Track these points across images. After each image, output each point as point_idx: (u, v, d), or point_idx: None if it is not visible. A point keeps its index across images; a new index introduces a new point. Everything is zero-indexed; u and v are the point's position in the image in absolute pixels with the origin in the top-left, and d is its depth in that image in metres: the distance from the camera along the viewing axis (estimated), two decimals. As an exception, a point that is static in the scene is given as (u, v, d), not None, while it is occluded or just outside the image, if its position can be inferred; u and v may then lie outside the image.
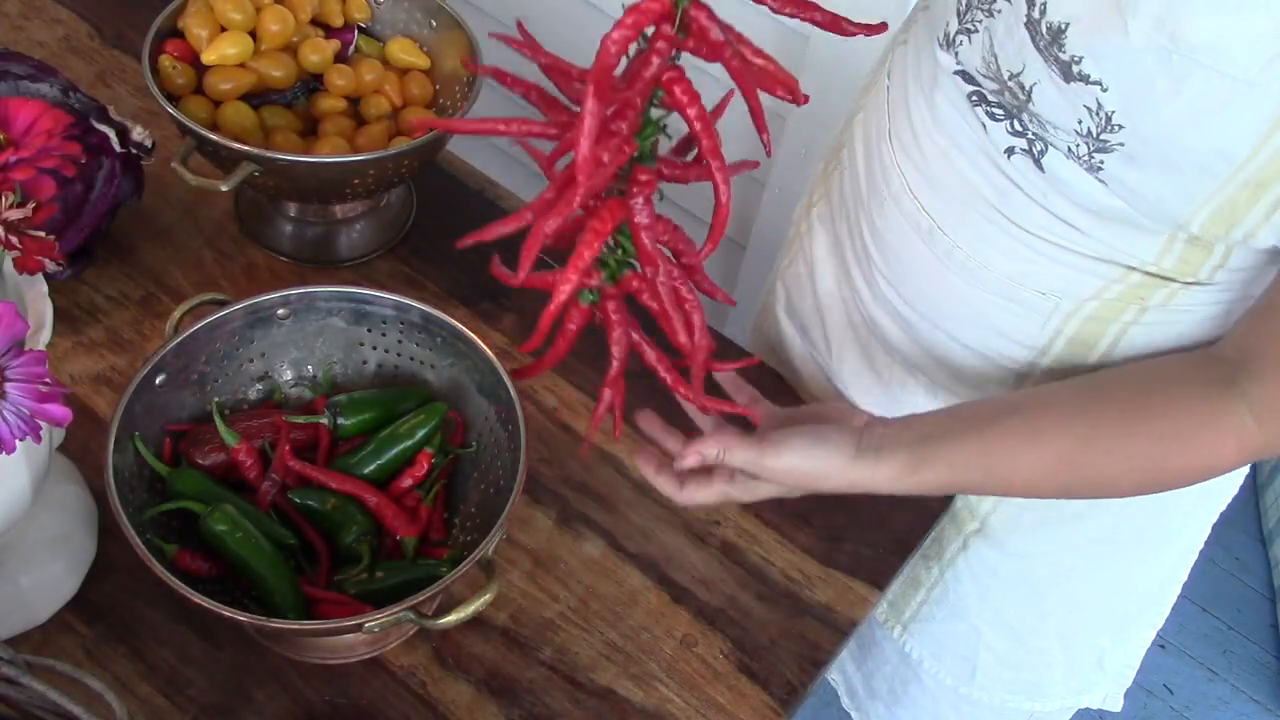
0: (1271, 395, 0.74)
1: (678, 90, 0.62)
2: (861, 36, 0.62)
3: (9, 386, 0.66)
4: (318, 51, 1.06)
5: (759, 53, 0.63)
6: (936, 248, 0.90)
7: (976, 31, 0.79)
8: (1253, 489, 2.26)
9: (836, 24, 0.62)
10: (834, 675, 1.28)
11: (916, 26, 0.95)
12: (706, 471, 0.81)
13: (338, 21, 1.10)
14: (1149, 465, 0.77)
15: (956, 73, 0.83)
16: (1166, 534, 1.05)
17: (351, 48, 1.11)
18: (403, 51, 1.11)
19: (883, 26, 0.62)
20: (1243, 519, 2.22)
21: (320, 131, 1.05)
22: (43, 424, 0.68)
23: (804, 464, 0.77)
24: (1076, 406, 0.80)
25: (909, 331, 0.99)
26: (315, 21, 1.09)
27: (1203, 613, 2.10)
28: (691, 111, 0.63)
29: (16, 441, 0.67)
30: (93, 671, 0.83)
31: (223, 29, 1.03)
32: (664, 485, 0.82)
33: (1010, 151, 0.82)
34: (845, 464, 0.77)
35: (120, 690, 0.84)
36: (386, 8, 1.14)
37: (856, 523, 1.00)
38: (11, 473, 0.74)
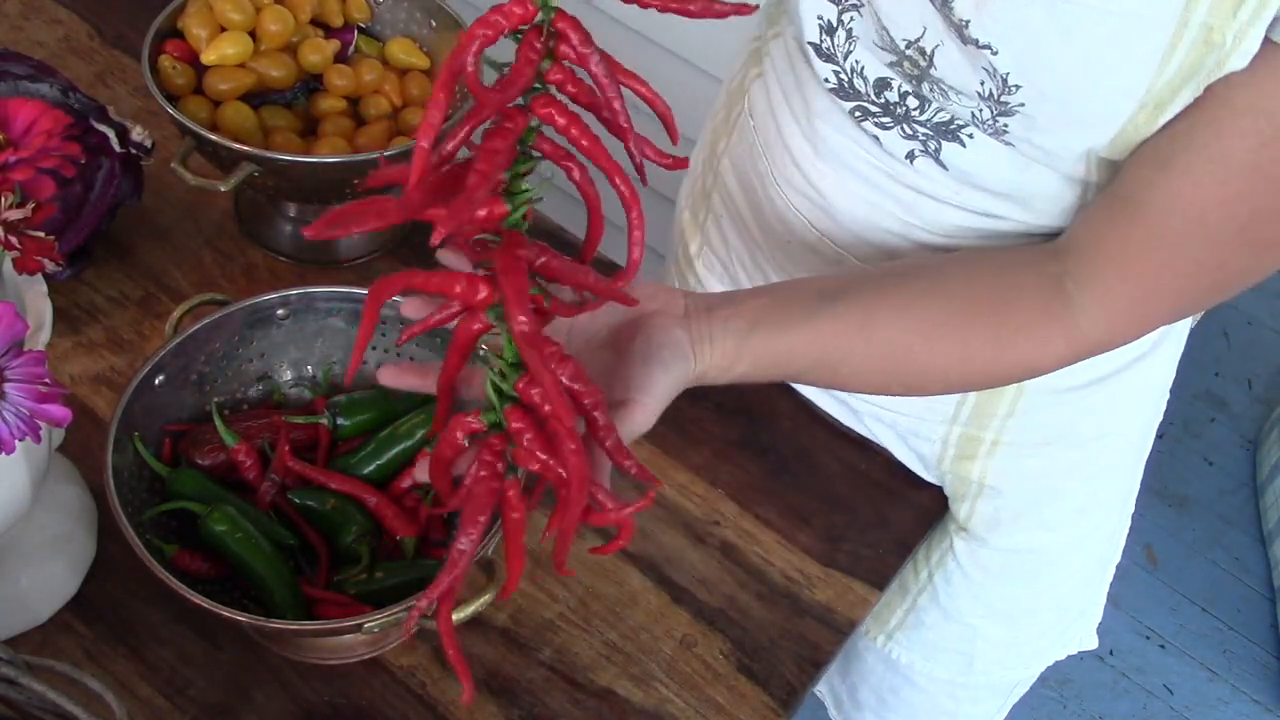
0: (1101, 293, 0.73)
1: (553, 112, 0.56)
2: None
3: (9, 387, 0.66)
4: (317, 51, 1.06)
5: (631, 75, 0.57)
6: None
7: (862, 5, 0.76)
8: (1253, 489, 2.26)
9: (640, 147, 0.57)
10: (820, 686, 1.28)
11: (770, 58, 0.93)
12: None
13: (338, 21, 1.10)
14: (984, 358, 0.76)
15: (831, 89, 0.82)
16: (1130, 473, 1.06)
17: (351, 48, 1.11)
18: (402, 51, 1.11)
19: (684, 161, 0.59)
20: (1243, 519, 2.22)
21: (320, 131, 1.06)
22: (42, 424, 0.68)
23: (668, 394, 0.69)
24: (914, 293, 0.76)
25: None
26: (315, 21, 1.09)
27: (1203, 613, 2.10)
28: (568, 125, 0.56)
29: (16, 442, 0.67)
30: (92, 671, 0.83)
31: (222, 29, 1.03)
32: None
33: (911, 156, 0.81)
34: (689, 372, 0.71)
35: (120, 690, 0.84)
36: (386, 8, 1.14)
37: (856, 523, 1.00)
38: (11, 473, 0.74)
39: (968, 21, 0.70)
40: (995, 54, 0.70)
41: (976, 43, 0.70)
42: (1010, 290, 0.75)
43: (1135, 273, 0.72)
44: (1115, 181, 0.73)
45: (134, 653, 0.86)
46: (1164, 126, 0.69)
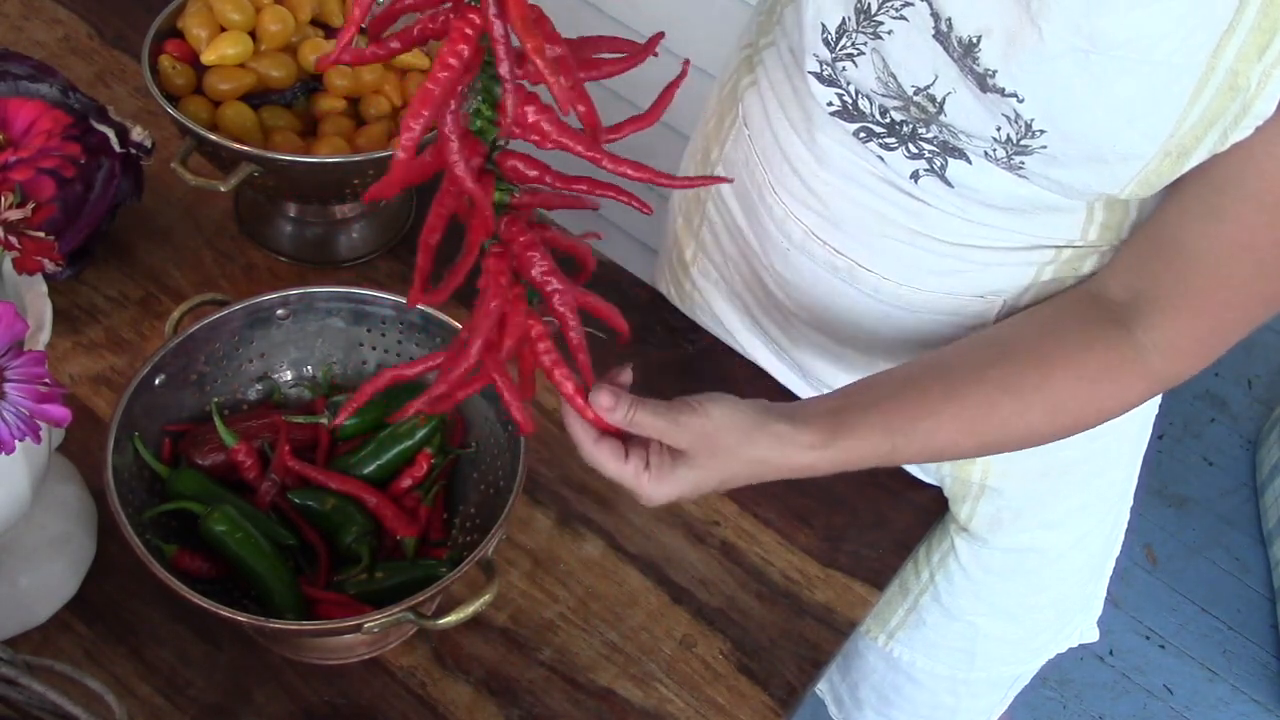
0: (1171, 336, 0.75)
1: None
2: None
3: (9, 387, 0.66)
4: (318, 51, 1.06)
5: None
6: (862, 285, 0.89)
7: (862, 54, 0.77)
8: (1253, 489, 2.26)
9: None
10: (820, 685, 1.28)
11: (763, 66, 0.93)
12: (622, 443, 0.73)
13: (337, 21, 1.10)
14: (1073, 408, 0.78)
15: (834, 113, 0.82)
16: (1128, 469, 1.06)
17: (351, 48, 1.11)
18: (402, 51, 1.10)
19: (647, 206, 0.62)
20: (1243, 519, 2.22)
21: (320, 131, 1.05)
22: (42, 424, 0.68)
23: (726, 419, 0.70)
24: (990, 359, 0.78)
25: (841, 364, 0.98)
26: (315, 21, 1.09)
27: (1203, 613, 2.10)
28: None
29: (16, 442, 0.67)
30: (92, 672, 0.83)
31: (222, 29, 1.03)
32: (578, 427, 0.72)
33: (915, 176, 0.81)
34: (761, 421, 0.71)
35: (120, 690, 0.84)
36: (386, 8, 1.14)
37: (856, 523, 1.00)
38: (11, 473, 0.74)
39: (994, 71, 0.70)
40: (1021, 101, 0.70)
41: (1001, 91, 0.70)
42: (1082, 341, 0.77)
43: (1201, 315, 0.75)
44: (1162, 228, 0.75)
45: (134, 653, 0.86)
46: (1209, 175, 0.70)
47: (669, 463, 0.72)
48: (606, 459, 0.72)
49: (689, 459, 0.72)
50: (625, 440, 0.73)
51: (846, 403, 0.75)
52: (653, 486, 0.72)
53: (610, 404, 0.69)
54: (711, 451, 0.72)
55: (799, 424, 0.73)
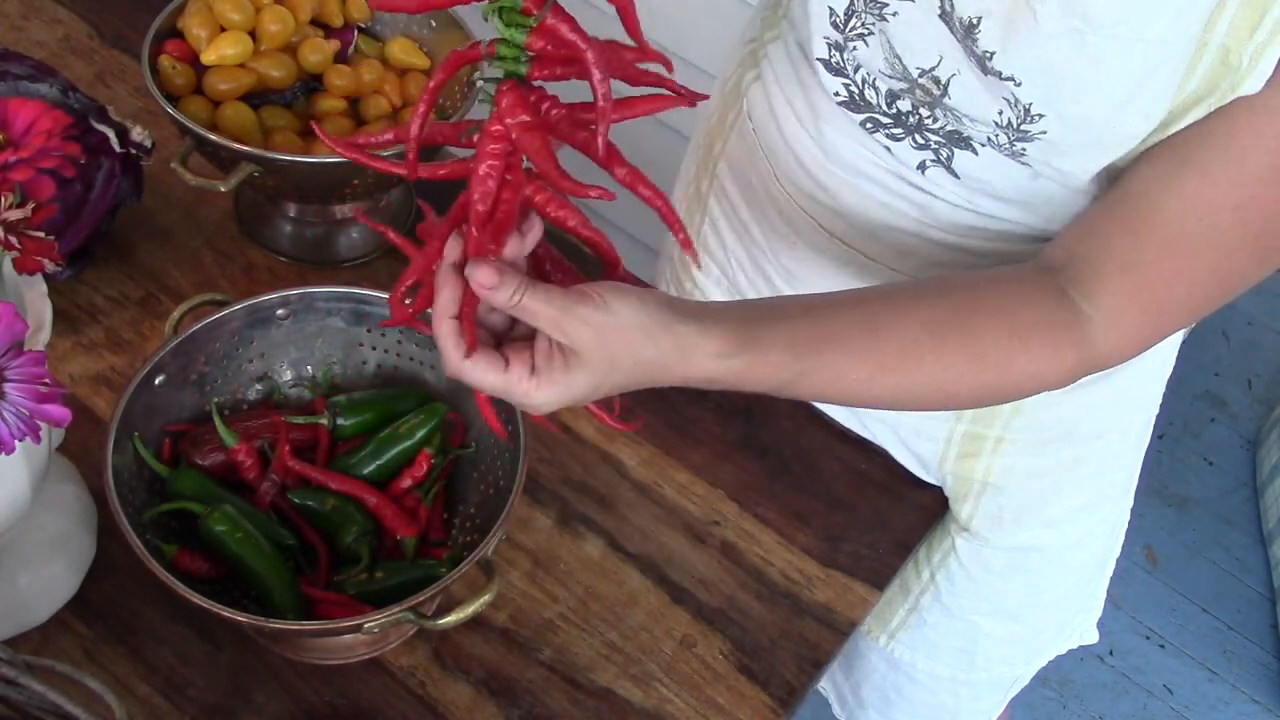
0: (1114, 304, 0.71)
1: None
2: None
3: (8, 387, 0.66)
4: (317, 51, 1.06)
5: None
6: (869, 276, 0.89)
7: (871, 34, 0.77)
8: (1253, 489, 2.26)
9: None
10: (824, 684, 1.28)
11: (768, 61, 0.93)
12: (500, 355, 0.64)
13: (338, 21, 1.10)
14: (994, 363, 0.71)
15: (841, 103, 0.82)
16: (1128, 469, 1.06)
17: (351, 48, 1.11)
18: (402, 52, 1.10)
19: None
20: (1243, 519, 2.22)
21: (320, 132, 1.06)
22: (42, 424, 0.68)
23: (629, 316, 0.62)
24: (916, 296, 0.73)
25: None
26: (315, 21, 1.09)
27: (1203, 613, 2.10)
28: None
29: (16, 442, 0.67)
30: (92, 671, 0.83)
31: (222, 29, 1.03)
32: (447, 339, 0.63)
33: (922, 167, 0.81)
34: (666, 321, 0.63)
35: (120, 690, 0.84)
36: None
37: (856, 523, 1.00)
38: (11, 473, 0.74)
39: (992, 54, 0.70)
40: (1019, 85, 0.70)
41: (1000, 75, 0.71)
42: (1018, 296, 0.73)
43: (1148, 281, 0.71)
44: (1122, 184, 0.72)
45: (134, 653, 0.86)
46: (1182, 130, 0.69)
47: (559, 364, 0.63)
48: (482, 373, 0.62)
49: (582, 360, 0.63)
50: (503, 347, 0.65)
51: (756, 313, 0.68)
52: (539, 392, 0.63)
53: (493, 281, 0.59)
54: (609, 351, 0.63)
55: (707, 328, 0.65)
